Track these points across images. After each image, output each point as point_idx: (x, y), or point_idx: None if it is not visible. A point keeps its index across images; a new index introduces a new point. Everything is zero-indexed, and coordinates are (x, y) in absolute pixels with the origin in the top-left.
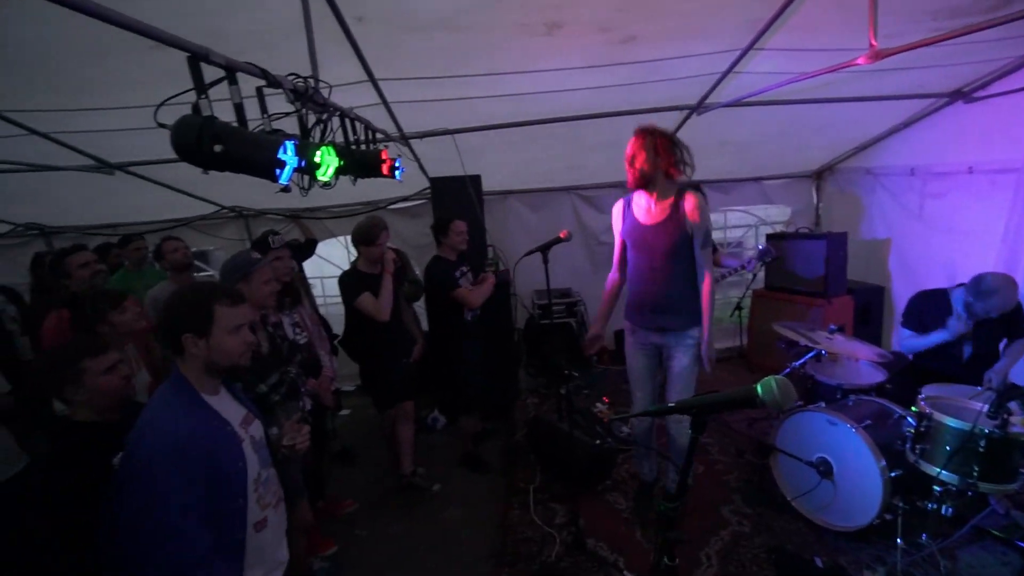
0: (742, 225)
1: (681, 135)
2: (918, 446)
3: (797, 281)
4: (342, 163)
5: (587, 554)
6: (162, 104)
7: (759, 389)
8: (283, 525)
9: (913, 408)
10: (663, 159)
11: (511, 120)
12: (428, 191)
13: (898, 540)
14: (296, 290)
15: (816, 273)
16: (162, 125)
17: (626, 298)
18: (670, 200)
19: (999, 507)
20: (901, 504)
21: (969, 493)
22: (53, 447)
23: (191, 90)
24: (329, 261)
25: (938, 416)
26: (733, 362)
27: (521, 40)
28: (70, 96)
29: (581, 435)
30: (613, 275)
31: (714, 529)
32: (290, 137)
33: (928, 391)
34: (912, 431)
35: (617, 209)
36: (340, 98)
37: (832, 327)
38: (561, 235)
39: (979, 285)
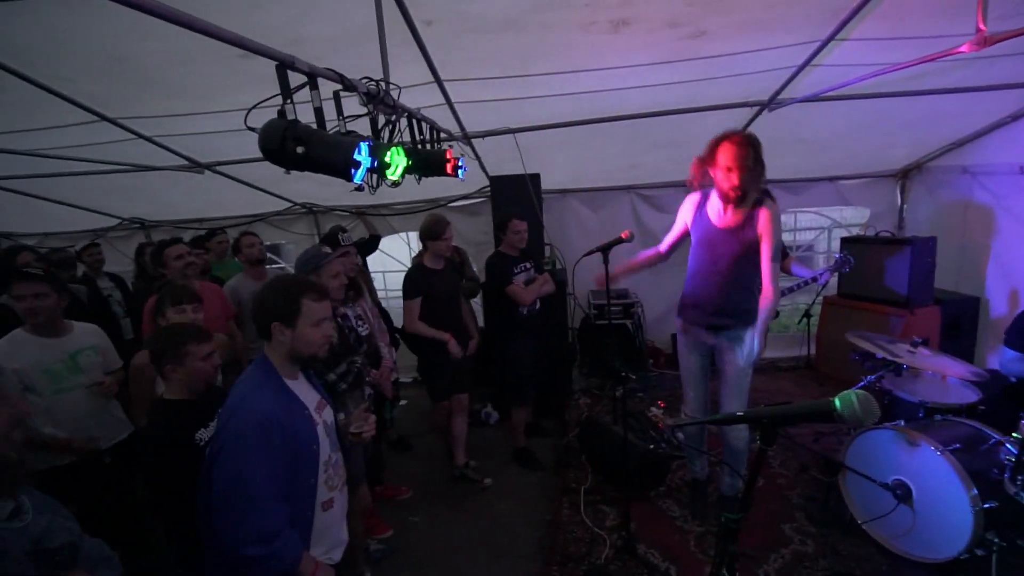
0: (814, 228)
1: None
2: (1019, 477)
3: (875, 289)
4: (410, 163)
5: (637, 559)
6: (253, 108)
7: (837, 403)
8: (346, 507)
9: (1015, 434)
10: (762, 177)
11: (572, 119)
12: (488, 189)
13: None
14: (358, 284)
15: (898, 281)
16: (251, 129)
17: (682, 294)
18: (746, 208)
19: None
20: (996, 540)
21: None
22: (150, 422)
23: (277, 95)
24: (391, 256)
25: None
26: (799, 372)
27: (586, 38)
28: (167, 102)
29: (635, 438)
30: (659, 249)
31: (774, 546)
32: (364, 138)
33: None
34: (1012, 459)
35: (692, 201)
36: (407, 99)
37: (916, 340)
38: (623, 235)
39: None
